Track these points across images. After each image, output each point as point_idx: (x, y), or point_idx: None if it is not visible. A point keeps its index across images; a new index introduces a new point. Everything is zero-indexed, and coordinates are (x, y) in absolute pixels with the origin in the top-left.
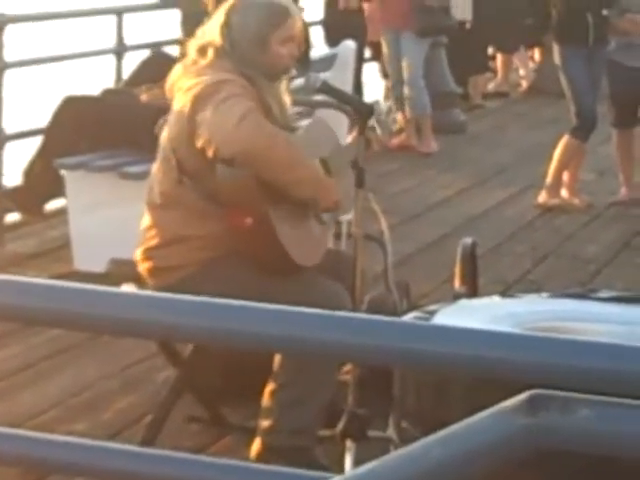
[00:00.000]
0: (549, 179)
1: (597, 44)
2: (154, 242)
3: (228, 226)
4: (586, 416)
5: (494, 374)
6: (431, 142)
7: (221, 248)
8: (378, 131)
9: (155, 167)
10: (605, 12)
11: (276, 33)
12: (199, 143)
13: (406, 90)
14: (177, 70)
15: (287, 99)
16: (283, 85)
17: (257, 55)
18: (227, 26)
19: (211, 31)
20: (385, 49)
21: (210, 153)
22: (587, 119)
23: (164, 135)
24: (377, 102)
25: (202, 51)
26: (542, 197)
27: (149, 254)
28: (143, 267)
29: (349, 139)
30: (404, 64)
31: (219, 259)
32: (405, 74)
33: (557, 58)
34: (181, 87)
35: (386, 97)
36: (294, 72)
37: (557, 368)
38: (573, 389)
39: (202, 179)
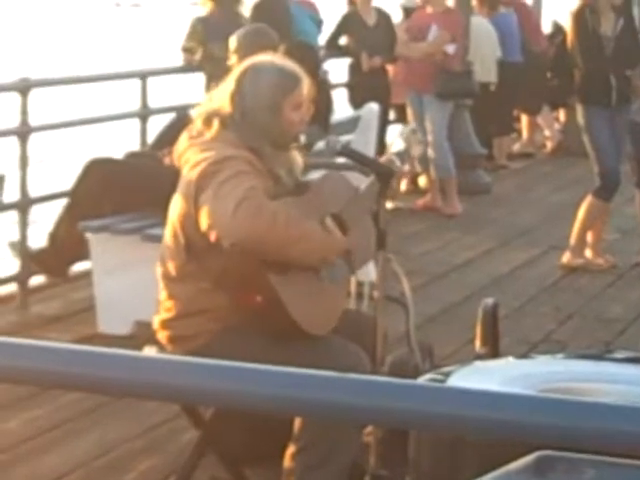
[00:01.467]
0: (573, 239)
1: (620, 105)
2: (170, 314)
3: (238, 302)
4: (592, 477)
5: (506, 436)
6: (456, 204)
7: (234, 320)
8: (398, 163)
9: (165, 239)
10: (628, 73)
11: (288, 99)
12: (203, 226)
13: (430, 152)
14: (183, 140)
15: (298, 160)
16: (293, 150)
17: (269, 122)
18: (238, 94)
19: (219, 99)
20: (410, 111)
21: (213, 237)
22: (610, 179)
23: (172, 209)
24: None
25: (208, 121)
26: (566, 257)
27: (166, 324)
28: (161, 335)
29: (363, 186)
30: (428, 126)
31: (232, 329)
32: (429, 137)
33: (580, 119)
34: (187, 160)
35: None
36: (303, 138)
37: (568, 430)
38: (585, 450)
39: (209, 259)
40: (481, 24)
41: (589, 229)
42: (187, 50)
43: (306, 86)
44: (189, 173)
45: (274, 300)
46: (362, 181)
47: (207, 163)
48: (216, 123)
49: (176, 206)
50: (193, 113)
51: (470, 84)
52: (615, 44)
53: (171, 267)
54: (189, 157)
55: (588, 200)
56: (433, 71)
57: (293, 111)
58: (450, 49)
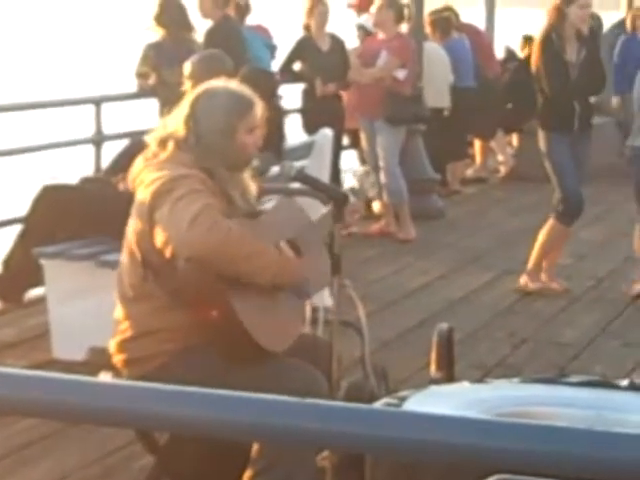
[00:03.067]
0: (531, 263)
1: (582, 131)
2: (127, 335)
3: (194, 319)
4: None
5: (462, 459)
6: (410, 229)
7: (191, 339)
8: (352, 199)
9: (122, 259)
10: (591, 100)
11: (242, 123)
12: (158, 242)
13: (382, 178)
14: (138, 163)
15: (251, 185)
16: (246, 173)
17: (223, 145)
18: (193, 118)
19: (174, 124)
20: (362, 137)
21: (168, 253)
22: (573, 204)
23: (129, 229)
24: (354, 171)
25: (163, 144)
26: (523, 280)
27: (122, 346)
28: (117, 358)
29: (320, 213)
30: (379, 152)
31: (189, 349)
32: (381, 162)
33: (542, 143)
34: (142, 180)
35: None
36: (256, 162)
37: (524, 453)
38: (540, 474)
39: (165, 275)
40: (434, 49)
41: (548, 253)
42: (141, 75)
43: (259, 110)
44: (143, 192)
45: (230, 315)
46: (316, 206)
47: (161, 182)
48: (171, 145)
49: (131, 225)
50: (148, 138)
51: (420, 109)
52: (579, 70)
53: (128, 287)
54: (144, 178)
55: (549, 224)
56: (383, 96)
57: (247, 134)
58: (400, 74)
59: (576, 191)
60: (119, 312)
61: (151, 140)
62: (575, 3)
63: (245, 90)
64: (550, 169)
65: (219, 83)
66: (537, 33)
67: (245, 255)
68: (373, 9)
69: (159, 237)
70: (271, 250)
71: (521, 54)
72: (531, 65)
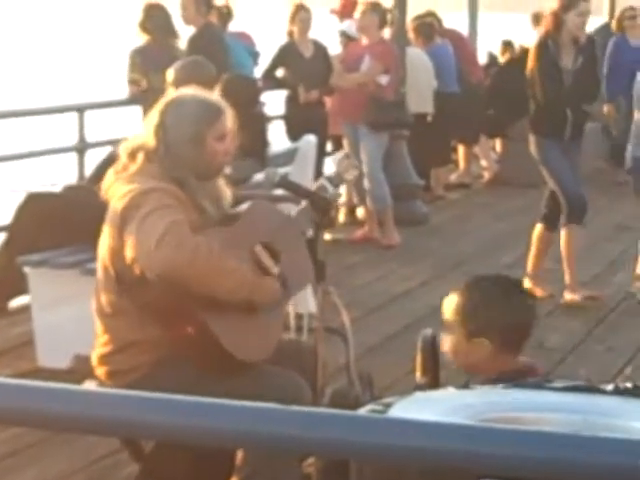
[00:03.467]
0: (567, 277)
1: (573, 139)
2: (106, 349)
3: (168, 333)
4: None
5: (448, 465)
6: (393, 234)
7: (168, 350)
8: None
9: (97, 274)
10: (585, 107)
11: (211, 130)
12: (128, 259)
13: (365, 183)
14: (109, 176)
15: (226, 192)
16: (220, 180)
17: (193, 154)
18: (161, 127)
19: (144, 134)
20: (345, 143)
21: (138, 270)
22: (578, 203)
23: (101, 244)
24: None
25: (132, 155)
26: (568, 295)
27: (103, 360)
28: (100, 371)
29: (296, 210)
30: (362, 157)
31: (168, 360)
32: (364, 168)
33: (534, 149)
34: (114, 194)
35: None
36: (228, 170)
37: (509, 459)
38: (526, 479)
39: (137, 291)
40: (417, 55)
41: (572, 259)
42: (133, 82)
43: (229, 117)
44: (114, 206)
45: (204, 331)
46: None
47: (130, 196)
48: (141, 157)
49: (104, 240)
50: (118, 149)
51: (402, 114)
52: (574, 78)
53: (104, 302)
54: (115, 191)
55: (566, 233)
56: (366, 101)
57: (217, 142)
58: (383, 80)
59: (577, 191)
60: (98, 326)
61: (122, 152)
62: (573, 10)
63: (214, 98)
64: (548, 175)
65: (187, 91)
66: (518, 38)
67: (215, 273)
68: (357, 14)
69: (128, 254)
70: (243, 267)
71: (501, 59)
72: (514, 70)
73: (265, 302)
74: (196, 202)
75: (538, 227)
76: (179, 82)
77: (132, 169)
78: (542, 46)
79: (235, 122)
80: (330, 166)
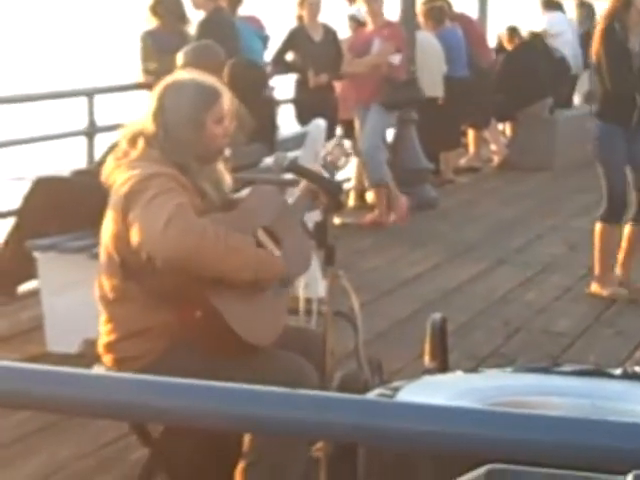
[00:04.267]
0: (597, 270)
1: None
2: (112, 337)
3: (176, 317)
4: None
5: (456, 449)
6: (401, 203)
7: (176, 337)
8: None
9: (101, 261)
10: None
11: (209, 113)
12: (134, 244)
13: (364, 159)
14: (109, 162)
15: (226, 176)
16: (219, 164)
17: (193, 137)
18: (160, 112)
19: (142, 119)
20: (358, 128)
21: (144, 256)
22: (616, 203)
23: (104, 230)
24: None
25: (132, 141)
26: (594, 287)
27: (109, 347)
28: (106, 359)
29: (295, 196)
30: (364, 134)
31: (176, 346)
32: (363, 143)
33: (595, 133)
34: (115, 180)
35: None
36: (228, 152)
37: (518, 443)
38: (534, 463)
39: (144, 276)
40: (427, 39)
41: (608, 255)
42: (149, 72)
43: (227, 100)
44: (117, 192)
45: (213, 314)
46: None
47: (133, 181)
48: (141, 142)
49: (107, 227)
50: (118, 135)
51: (416, 92)
52: None
53: (108, 289)
54: (116, 177)
55: (598, 227)
56: (379, 82)
57: (215, 125)
58: (395, 59)
59: (621, 191)
60: (102, 314)
61: (121, 138)
62: None
63: (211, 80)
64: (600, 162)
65: (185, 75)
66: (527, 23)
67: (222, 254)
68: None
69: (134, 239)
70: (248, 246)
71: (507, 45)
72: (523, 55)
73: (271, 280)
74: (198, 186)
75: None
76: (188, 66)
77: (133, 155)
78: (608, 29)
79: (241, 106)
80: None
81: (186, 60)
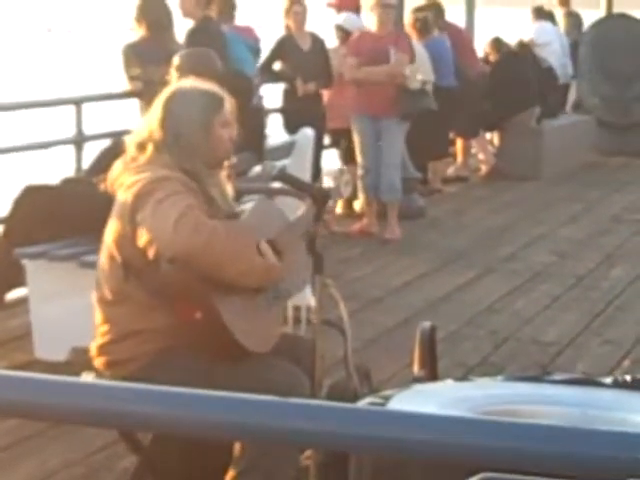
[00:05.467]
0: None
1: None
2: (107, 338)
3: (177, 319)
4: None
5: (448, 458)
6: (396, 229)
7: (172, 339)
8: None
9: (101, 263)
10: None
11: (217, 117)
12: (141, 243)
13: (389, 175)
14: (117, 167)
15: (228, 186)
16: (224, 173)
17: (202, 142)
18: (168, 118)
19: (149, 126)
20: (359, 136)
21: (152, 254)
22: None
23: (107, 232)
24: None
25: (141, 147)
26: None
27: (103, 349)
28: (99, 361)
29: (298, 214)
30: (388, 150)
31: (171, 349)
32: (390, 159)
33: None
34: (122, 184)
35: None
36: (234, 159)
37: (510, 452)
38: (526, 472)
39: (148, 276)
40: (416, 49)
41: None
42: (134, 78)
43: (230, 105)
44: (124, 194)
45: (213, 316)
46: (297, 206)
47: (142, 184)
48: (150, 147)
49: (111, 228)
50: (126, 142)
51: (429, 101)
52: None
53: (107, 290)
54: (123, 181)
55: None
56: (395, 93)
57: (222, 128)
58: (407, 70)
59: None
60: (98, 316)
61: (129, 144)
62: None
63: (214, 87)
64: None
65: (188, 82)
66: (516, 33)
67: (230, 256)
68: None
69: (142, 239)
70: (254, 251)
71: (492, 57)
72: (512, 64)
73: (272, 285)
74: (206, 192)
75: None
76: (183, 70)
77: (141, 160)
78: None
79: (234, 111)
80: (327, 160)
81: (182, 63)
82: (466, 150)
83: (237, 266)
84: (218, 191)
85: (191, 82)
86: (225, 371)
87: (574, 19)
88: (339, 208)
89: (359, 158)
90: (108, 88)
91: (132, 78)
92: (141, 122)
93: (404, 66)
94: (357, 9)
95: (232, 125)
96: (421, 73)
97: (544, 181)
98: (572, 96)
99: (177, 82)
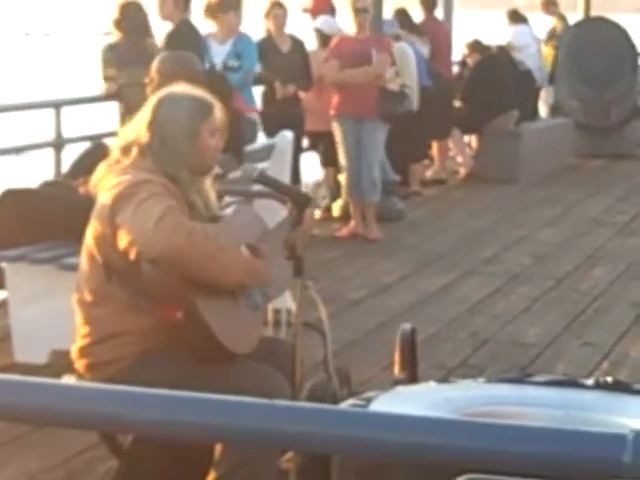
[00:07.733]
0: None
1: None
2: (88, 340)
3: (159, 320)
4: None
5: (430, 459)
6: (375, 229)
7: (154, 341)
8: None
9: (81, 264)
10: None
11: (205, 125)
12: (122, 245)
13: (370, 175)
14: (100, 169)
15: (213, 193)
16: (208, 180)
17: (188, 148)
18: (156, 123)
19: (136, 129)
20: (341, 138)
21: (133, 255)
22: None
23: (88, 234)
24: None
25: (126, 150)
26: None
27: (84, 351)
28: (79, 364)
29: (278, 220)
30: (370, 150)
31: (152, 351)
32: (370, 160)
33: None
34: (104, 186)
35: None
36: (217, 168)
37: (493, 453)
38: (509, 473)
39: (129, 277)
40: (404, 50)
41: None
42: (108, 78)
43: (219, 113)
44: (105, 196)
45: (195, 316)
46: (277, 209)
47: (123, 186)
48: (135, 151)
49: (92, 230)
50: (111, 145)
51: (409, 102)
52: None
53: (88, 291)
54: (105, 183)
55: None
56: (377, 95)
57: (210, 136)
58: (390, 72)
59: None
60: (79, 317)
61: (114, 147)
62: None
63: (204, 93)
64: None
65: (179, 88)
66: (494, 35)
67: (210, 254)
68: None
69: (122, 240)
70: (235, 250)
71: (469, 59)
72: (490, 67)
73: (255, 283)
74: (187, 197)
75: None
76: (165, 72)
77: (125, 162)
78: None
79: (225, 119)
80: (306, 163)
81: (164, 66)
82: (443, 152)
83: (218, 264)
84: (201, 197)
85: (182, 88)
86: (206, 374)
87: (561, 21)
88: (317, 213)
89: (341, 159)
90: (87, 91)
91: (106, 78)
92: (129, 125)
93: (386, 67)
94: (332, 11)
95: (221, 133)
96: (405, 76)
97: (523, 184)
98: (548, 99)
99: (158, 85)
